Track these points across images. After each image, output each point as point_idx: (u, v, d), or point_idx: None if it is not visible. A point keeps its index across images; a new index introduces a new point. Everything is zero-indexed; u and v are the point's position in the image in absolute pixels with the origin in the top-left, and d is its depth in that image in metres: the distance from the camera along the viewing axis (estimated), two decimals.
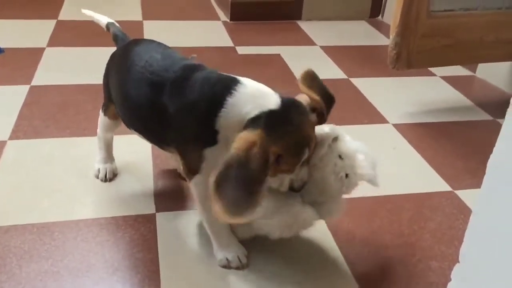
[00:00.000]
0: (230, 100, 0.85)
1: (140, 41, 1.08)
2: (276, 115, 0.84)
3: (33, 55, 1.90)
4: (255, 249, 1.03)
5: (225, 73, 0.93)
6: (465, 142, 1.53)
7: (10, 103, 1.56)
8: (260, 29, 2.40)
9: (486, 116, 1.70)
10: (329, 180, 0.90)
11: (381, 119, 1.63)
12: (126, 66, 1.01)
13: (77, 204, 1.15)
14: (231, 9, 2.45)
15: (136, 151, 1.31)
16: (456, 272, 0.70)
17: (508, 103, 0.59)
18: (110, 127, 1.18)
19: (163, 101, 0.92)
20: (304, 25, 2.50)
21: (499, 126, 0.59)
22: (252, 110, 0.84)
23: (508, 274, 0.60)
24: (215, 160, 0.86)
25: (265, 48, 2.16)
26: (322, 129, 0.90)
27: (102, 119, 1.18)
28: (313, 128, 0.88)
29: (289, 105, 0.86)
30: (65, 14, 2.39)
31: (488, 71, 1.97)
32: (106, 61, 1.13)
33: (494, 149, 0.61)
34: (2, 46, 1.94)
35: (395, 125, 1.59)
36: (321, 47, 2.23)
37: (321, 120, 0.90)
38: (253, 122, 0.82)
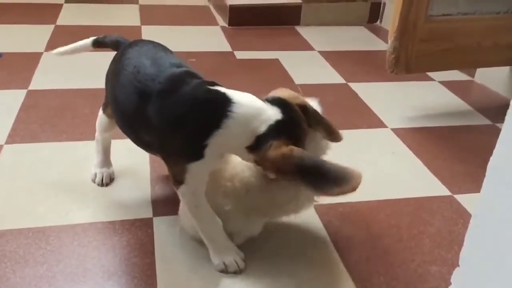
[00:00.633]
0: (227, 122, 0.86)
1: (136, 42, 1.08)
2: (284, 123, 0.89)
3: (31, 59, 1.90)
4: (253, 253, 1.02)
5: (210, 86, 0.91)
6: (464, 147, 1.52)
7: (8, 107, 1.55)
8: (259, 34, 2.40)
9: (484, 121, 1.70)
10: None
11: (380, 124, 1.62)
12: (118, 69, 1.02)
13: (74, 208, 1.14)
14: (230, 14, 2.46)
15: (133, 155, 1.31)
16: (456, 276, 0.70)
17: (507, 107, 0.59)
18: (107, 126, 1.17)
19: (148, 112, 0.92)
20: (302, 30, 2.50)
21: (498, 131, 0.59)
22: (258, 127, 0.87)
23: (507, 278, 0.60)
24: (201, 173, 0.91)
25: (263, 53, 2.16)
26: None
27: (100, 117, 1.18)
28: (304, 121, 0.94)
29: (286, 110, 0.90)
30: (63, 19, 2.39)
31: (486, 76, 1.97)
32: (104, 66, 1.13)
33: (494, 152, 0.61)
34: (0, 51, 1.94)
35: (394, 130, 1.59)
36: (320, 52, 2.23)
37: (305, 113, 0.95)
38: (267, 136, 0.86)
